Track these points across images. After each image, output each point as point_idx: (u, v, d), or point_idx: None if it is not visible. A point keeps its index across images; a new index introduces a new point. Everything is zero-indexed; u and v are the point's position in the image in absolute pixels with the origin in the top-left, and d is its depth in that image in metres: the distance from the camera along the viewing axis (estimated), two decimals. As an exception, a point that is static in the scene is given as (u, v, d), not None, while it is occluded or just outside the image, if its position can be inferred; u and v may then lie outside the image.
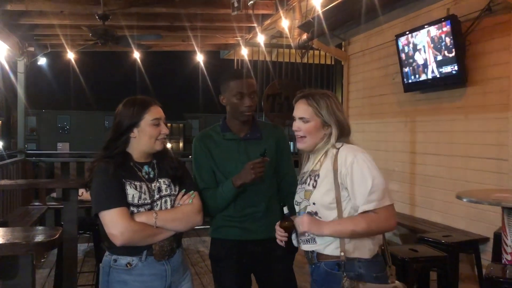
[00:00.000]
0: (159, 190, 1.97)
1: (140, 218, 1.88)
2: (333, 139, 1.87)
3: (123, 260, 1.91)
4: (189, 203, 2.01)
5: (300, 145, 1.93)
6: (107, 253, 1.96)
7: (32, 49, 7.18)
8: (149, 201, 1.93)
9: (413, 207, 5.52)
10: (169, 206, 1.98)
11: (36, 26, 6.62)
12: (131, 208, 1.88)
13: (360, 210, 1.76)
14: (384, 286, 1.79)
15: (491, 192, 3.42)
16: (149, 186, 1.95)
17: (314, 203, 1.84)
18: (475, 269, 3.89)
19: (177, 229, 1.98)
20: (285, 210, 1.90)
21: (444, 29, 4.51)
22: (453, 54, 4.47)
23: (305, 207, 1.87)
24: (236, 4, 5.10)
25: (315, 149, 1.91)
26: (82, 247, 5.42)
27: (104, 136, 2.15)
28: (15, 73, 6.94)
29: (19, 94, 7.04)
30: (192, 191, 2.05)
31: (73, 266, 3.37)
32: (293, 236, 1.92)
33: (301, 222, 1.82)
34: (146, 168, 1.99)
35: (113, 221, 1.83)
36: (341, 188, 1.80)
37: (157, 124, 1.97)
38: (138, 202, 1.90)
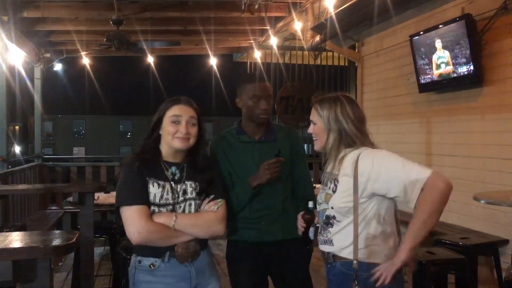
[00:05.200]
0: (185, 192, 1.95)
1: (159, 218, 1.87)
2: (335, 143, 1.85)
3: (147, 261, 1.92)
4: (214, 210, 1.96)
5: (315, 147, 1.97)
6: (134, 254, 1.98)
7: (48, 55, 7.26)
8: (172, 201, 1.91)
9: (430, 209, 5.44)
10: (193, 210, 1.95)
11: (52, 32, 6.70)
12: (152, 207, 1.88)
13: (414, 201, 1.72)
14: None
15: (509, 194, 3.37)
16: (174, 186, 1.94)
17: (332, 207, 1.84)
18: (495, 272, 3.83)
19: (196, 236, 1.93)
20: (310, 204, 1.99)
21: (459, 28, 4.46)
22: (469, 53, 4.41)
23: (324, 210, 1.89)
24: (243, 7, 5.12)
25: (328, 152, 1.90)
26: (98, 250, 5.45)
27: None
28: (31, 79, 7.01)
29: (36, 99, 7.14)
30: (220, 199, 2.00)
31: (89, 269, 3.39)
32: (311, 229, 1.98)
33: (383, 276, 1.73)
34: (173, 169, 1.97)
35: (132, 219, 1.84)
36: (364, 194, 1.77)
37: (175, 121, 1.95)
38: (159, 201, 1.89)
